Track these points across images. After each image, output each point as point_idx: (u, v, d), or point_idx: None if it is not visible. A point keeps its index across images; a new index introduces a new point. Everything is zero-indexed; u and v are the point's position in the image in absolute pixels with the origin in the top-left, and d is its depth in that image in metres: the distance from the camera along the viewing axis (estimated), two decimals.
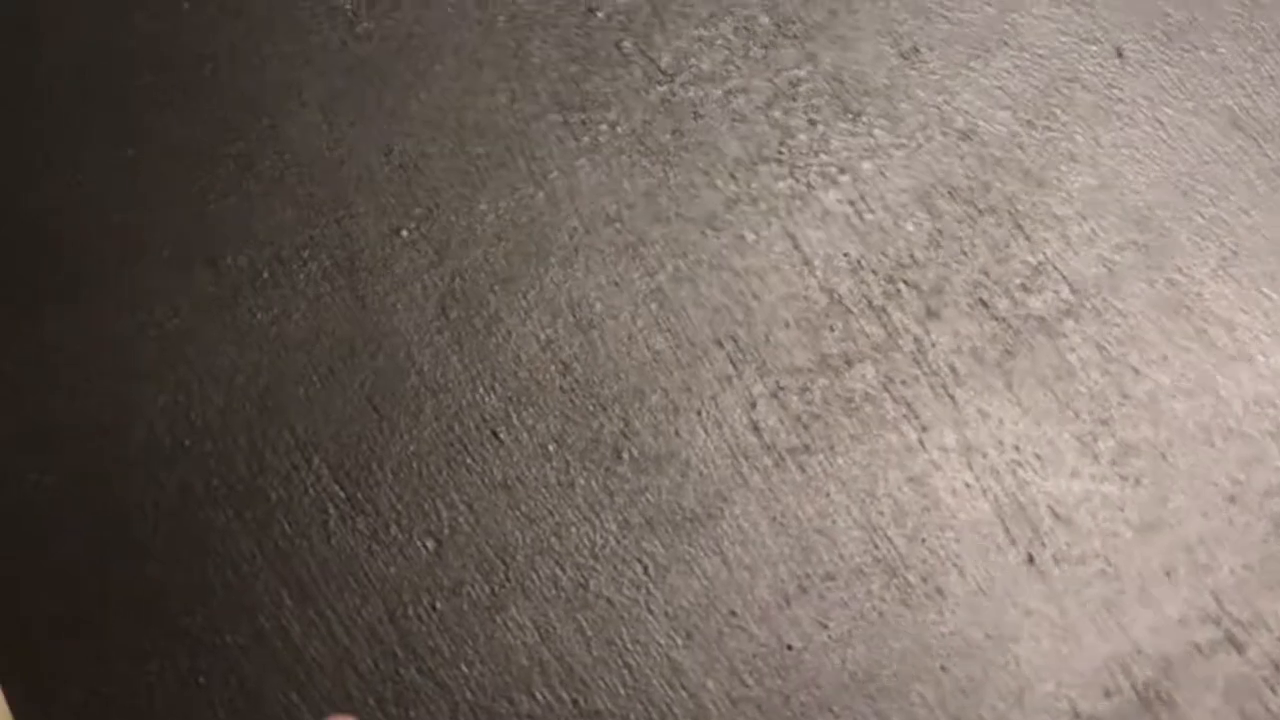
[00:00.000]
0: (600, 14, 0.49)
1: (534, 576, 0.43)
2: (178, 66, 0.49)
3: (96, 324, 0.45)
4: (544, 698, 0.40)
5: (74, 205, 0.46)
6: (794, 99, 0.48)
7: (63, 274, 0.46)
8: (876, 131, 0.47)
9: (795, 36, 0.48)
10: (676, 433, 0.44)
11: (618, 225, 0.47)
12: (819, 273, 0.46)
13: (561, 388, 0.45)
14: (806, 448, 0.44)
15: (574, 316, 0.46)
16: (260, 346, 0.46)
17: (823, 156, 0.47)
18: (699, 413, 0.45)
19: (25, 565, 0.42)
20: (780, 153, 0.47)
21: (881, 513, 0.43)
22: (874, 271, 0.45)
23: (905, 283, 0.45)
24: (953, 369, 0.44)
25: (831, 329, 0.45)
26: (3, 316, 0.45)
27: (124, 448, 0.44)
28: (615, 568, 0.43)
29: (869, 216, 0.46)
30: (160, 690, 0.41)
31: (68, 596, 0.42)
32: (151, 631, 0.42)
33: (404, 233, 0.47)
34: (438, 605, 0.42)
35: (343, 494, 0.43)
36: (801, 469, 0.44)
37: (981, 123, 0.46)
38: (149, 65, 0.49)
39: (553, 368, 0.45)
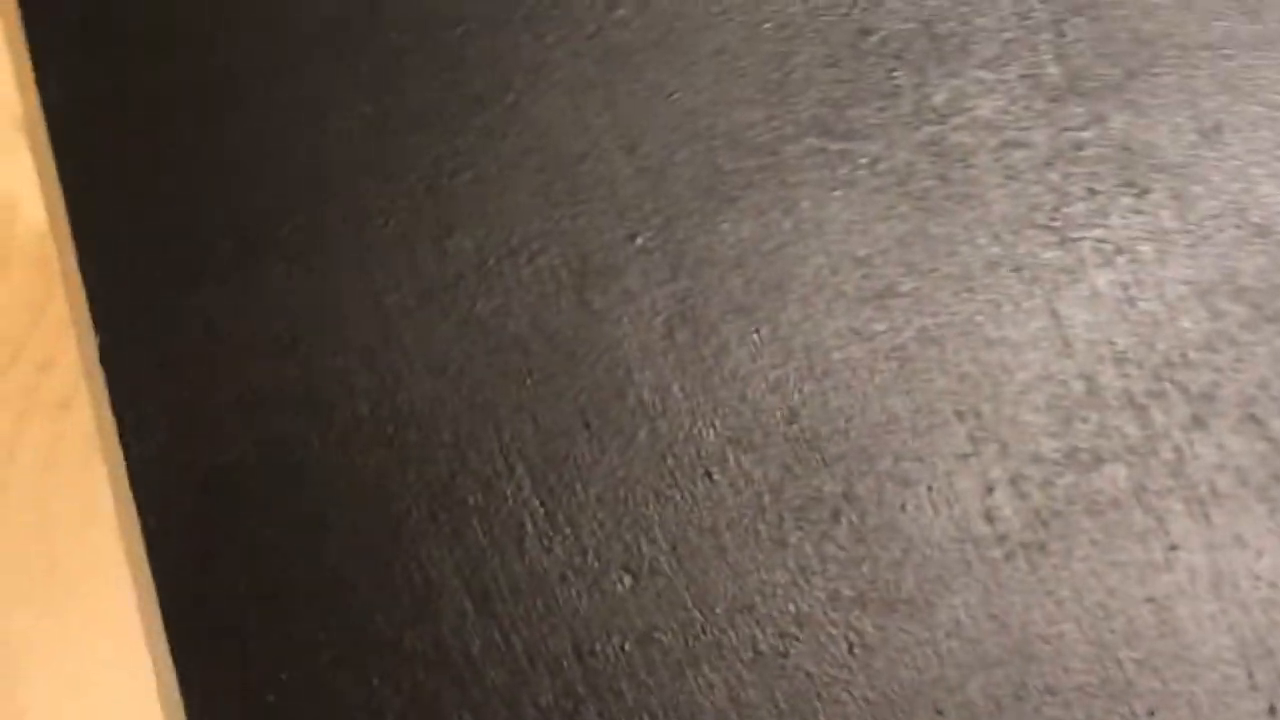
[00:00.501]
0: (874, 37, 0.46)
1: (731, 635, 0.41)
2: (429, 26, 0.47)
3: (315, 287, 0.44)
4: None
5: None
6: (1075, 162, 0.45)
7: (287, 229, 0.44)
8: (1163, 213, 0.44)
9: (1086, 94, 0.45)
10: (903, 506, 0.42)
11: (866, 270, 0.44)
12: (1079, 357, 0.43)
13: (785, 436, 0.43)
14: (1041, 545, 0.41)
15: (808, 361, 0.43)
16: (477, 338, 0.44)
17: (1099, 231, 0.44)
18: (929, 488, 0.42)
19: (216, 538, 0.41)
20: (1053, 219, 0.44)
21: (1114, 630, 0.40)
22: (1140, 365, 0.42)
23: (1173, 383, 0.42)
24: (1212, 486, 0.41)
25: (1085, 420, 0.42)
26: (223, 264, 0.44)
27: (327, 425, 0.42)
28: (819, 640, 0.41)
29: (1142, 305, 0.43)
30: (332, 686, 0.40)
31: (252, 574, 0.41)
32: (330, 622, 0.41)
33: (639, 240, 0.45)
34: (627, 647, 0.40)
35: (542, 510, 0.42)
36: (1033, 568, 0.41)
37: None
38: (399, 23, 0.47)
39: (778, 412, 0.43)
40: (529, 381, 0.43)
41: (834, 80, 0.47)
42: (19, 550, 0.40)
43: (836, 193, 0.45)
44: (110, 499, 0.41)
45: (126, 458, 0.43)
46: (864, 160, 0.46)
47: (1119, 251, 0.45)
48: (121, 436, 0.43)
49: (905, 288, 0.44)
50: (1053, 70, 0.46)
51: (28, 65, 0.46)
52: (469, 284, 0.44)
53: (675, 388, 0.43)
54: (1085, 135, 0.46)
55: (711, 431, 0.43)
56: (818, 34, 0.47)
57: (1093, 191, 0.46)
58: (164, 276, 0.44)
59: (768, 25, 0.47)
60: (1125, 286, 0.44)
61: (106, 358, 0.43)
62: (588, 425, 0.42)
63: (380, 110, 0.46)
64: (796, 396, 0.43)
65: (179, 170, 0.46)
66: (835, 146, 0.46)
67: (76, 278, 0.44)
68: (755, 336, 0.44)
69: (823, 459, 0.42)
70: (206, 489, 0.42)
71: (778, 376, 0.43)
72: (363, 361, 0.43)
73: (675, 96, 0.46)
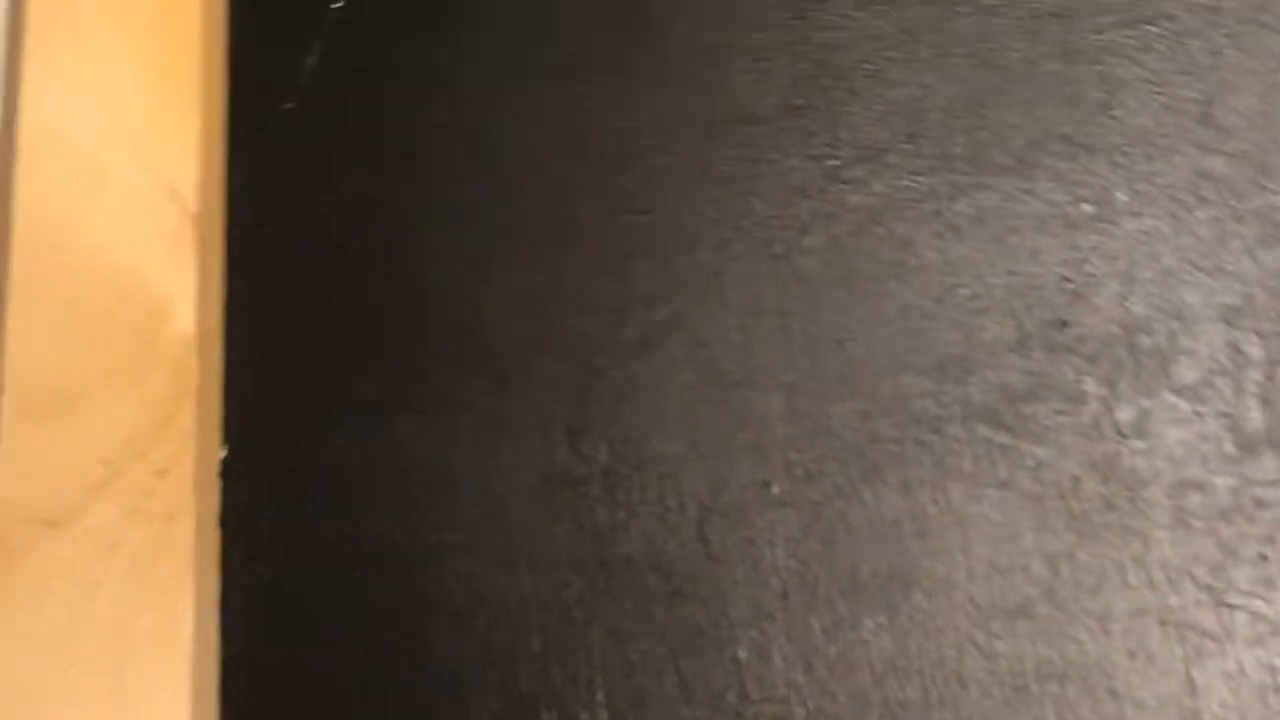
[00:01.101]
0: (1071, 332, 0.45)
1: None
2: (611, 207, 0.47)
3: (442, 453, 0.44)
4: None
5: None
6: (1253, 522, 0.43)
7: (427, 386, 0.45)
8: None
9: None
10: None
11: (1003, 582, 0.43)
12: None
13: None
14: None
15: (918, 662, 0.43)
16: (587, 548, 0.44)
17: (1260, 603, 0.42)
18: None
19: (287, 682, 0.42)
20: (1214, 578, 0.42)
21: None
22: None
23: None
24: None
25: None
26: (359, 409, 0.45)
27: (420, 599, 0.43)
28: None
29: None
30: None
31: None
32: None
33: (775, 488, 0.45)
34: None
35: None
36: None
37: None
38: (577, 200, 0.47)
39: (876, 708, 0.42)
40: (628, 606, 0.43)
41: (1018, 369, 0.46)
42: (92, 652, 0.41)
43: (991, 490, 0.44)
44: (191, 624, 0.41)
45: (222, 580, 0.43)
46: (1029, 463, 0.44)
47: (1275, 633, 0.43)
48: (222, 557, 0.44)
49: (1040, 611, 0.43)
50: (1254, 414, 0.44)
51: (219, 161, 0.47)
52: (592, 489, 0.44)
53: (776, 655, 0.42)
54: (1271, 495, 0.44)
55: (803, 711, 0.42)
56: (1011, 315, 0.46)
57: (1263, 558, 0.44)
58: (298, 407, 0.45)
59: (962, 291, 0.47)
60: (1274, 671, 0.42)
61: (226, 473, 0.44)
62: (678, 670, 0.42)
63: (545, 284, 0.47)
64: (898, 696, 0.42)
65: (342, 298, 0.47)
66: (1001, 440, 0.44)
67: (214, 390, 0.45)
68: (870, 622, 0.43)
69: None
70: (290, 631, 0.43)
71: (883, 671, 0.42)
72: (468, 541, 0.44)
73: (847, 344, 0.46)
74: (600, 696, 0.43)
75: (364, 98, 0.50)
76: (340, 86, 0.50)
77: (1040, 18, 0.50)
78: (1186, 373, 0.45)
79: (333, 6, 0.51)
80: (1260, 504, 0.44)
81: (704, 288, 0.47)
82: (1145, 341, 0.46)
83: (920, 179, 0.48)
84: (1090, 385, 0.46)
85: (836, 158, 0.48)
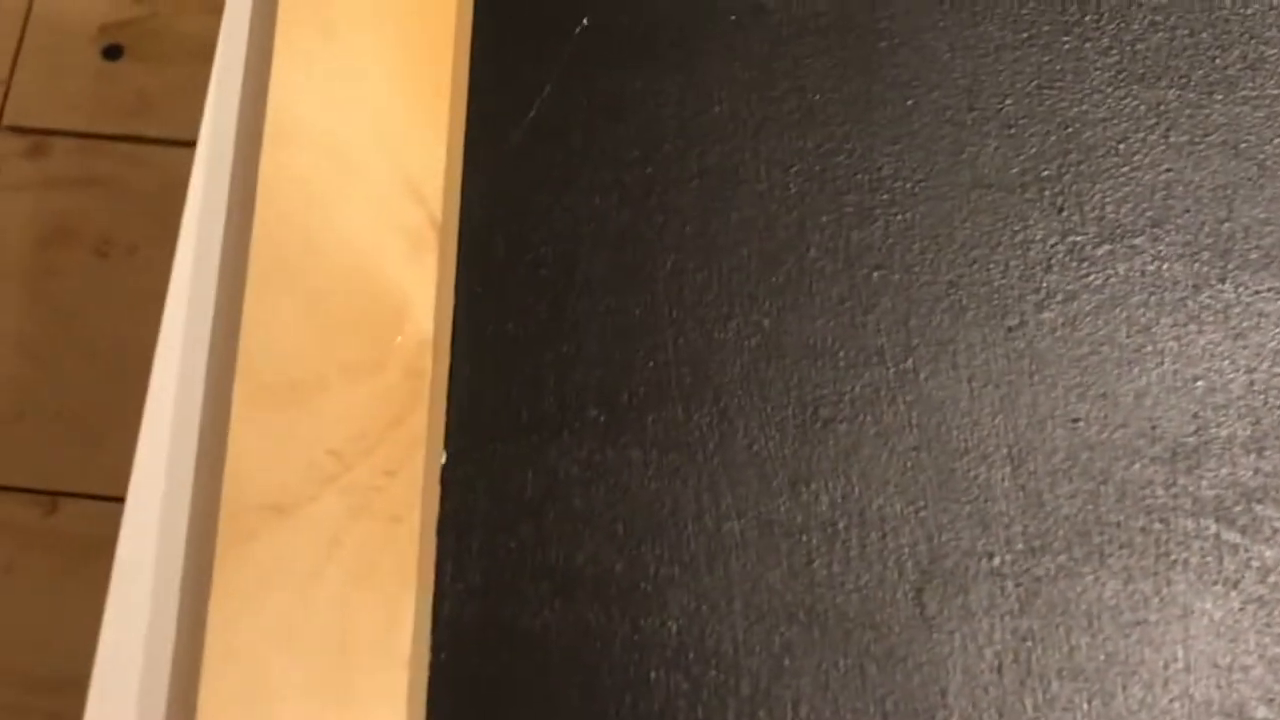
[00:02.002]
0: None
1: None
2: (848, 259, 0.51)
3: (662, 485, 0.48)
4: None
5: None
6: None
7: (655, 417, 0.49)
8: None
9: None
10: None
11: (1221, 681, 0.47)
12: None
13: None
14: None
15: None
16: (802, 598, 0.48)
17: None
18: None
19: (494, 695, 0.46)
20: None
21: None
22: None
23: None
24: None
25: None
26: (583, 431, 0.49)
27: (632, 631, 0.46)
28: None
29: None
30: None
31: None
32: None
33: (996, 559, 0.48)
34: None
35: None
36: None
37: None
38: (823, 252, 0.51)
39: None
40: (840, 661, 0.46)
41: (1253, 467, 0.49)
42: (313, 641, 0.45)
43: (1216, 587, 0.47)
44: (410, 626, 0.46)
45: (435, 586, 0.47)
46: (1256, 565, 0.48)
47: None
48: (436, 563, 0.48)
49: (1258, 715, 0.46)
50: None
51: (459, 168, 0.52)
52: (812, 540, 0.48)
53: None
54: None
55: None
56: (1250, 412, 0.50)
57: None
58: (522, 422, 0.49)
59: (1200, 384, 0.50)
60: None
61: (445, 480, 0.48)
62: None
63: (775, 330, 0.51)
64: None
65: (572, 320, 0.51)
66: (1231, 538, 0.48)
67: (443, 393, 0.49)
68: (1085, 705, 0.46)
69: None
70: (500, 645, 0.47)
71: None
72: (685, 578, 0.48)
73: (1079, 426, 0.49)
74: None
75: (604, 123, 0.54)
76: (580, 109, 0.55)
77: None
78: None
79: (579, 30, 0.56)
80: None
81: (935, 351, 0.51)
82: None
83: (1165, 265, 0.52)
84: None
85: (1081, 234, 0.52)
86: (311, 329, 0.50)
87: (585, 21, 0.55)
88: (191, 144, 0.54)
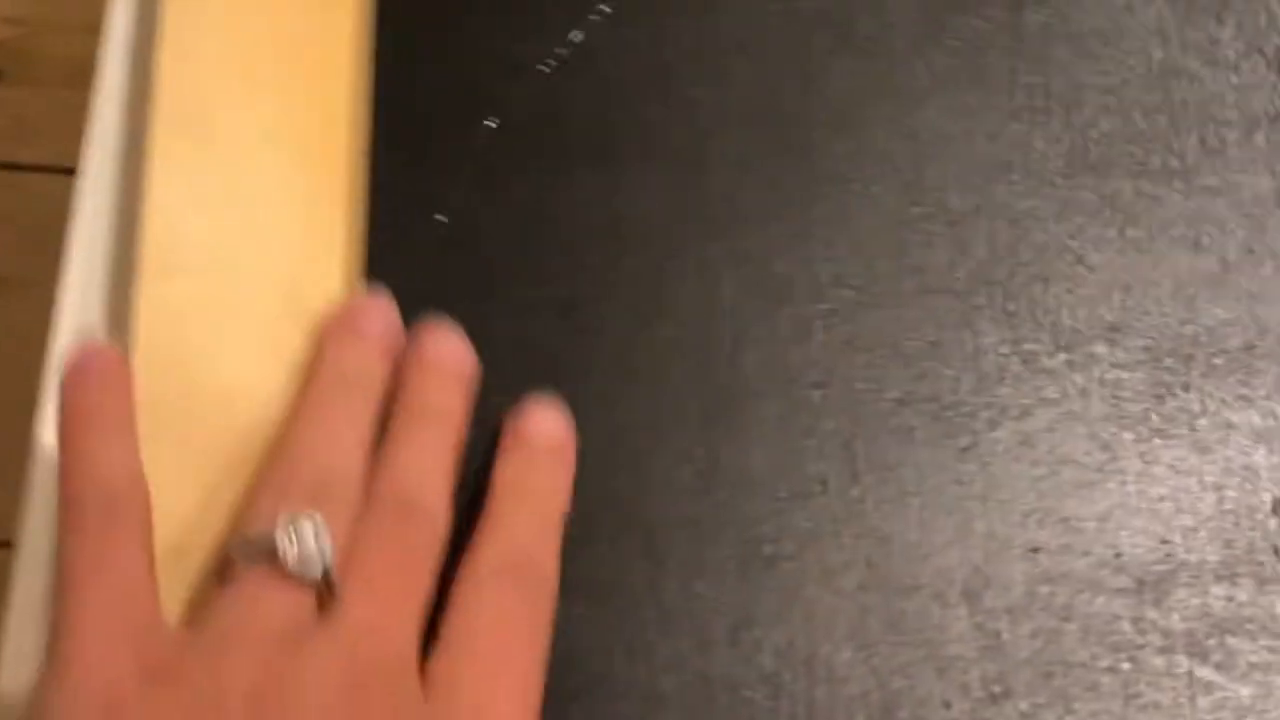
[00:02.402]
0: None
1: None
2: (786, 381, 0.49)
3: (609, 624, 0.45)
4: None
5: None
6: None
7: (586, 561, 0.46)
8: None
9: None
10: None
11: None
12: None
13: None
14: None
15: None
16: None
17: None
18: None
19: None
20: None
21: None
22: None
23: None
24: None
25: None
26: None
27: None
28: None
29: None
30: None
31: None
32: None
33: (954, 709, 0.46)
34: None
35: None
36: None
37: None
38: (757, 374, 0.49)
39: None
40: None
41: (1226, 596, 0.47)
42: None
43: None
44: None
45: None
46: (1233, 703, 0.47)
47: None
48: None
49: None
50: None
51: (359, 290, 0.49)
52: (755, 696, 0.46)
53: None
54: None
55: None
56: (1219, 534, 0.48)
57: None
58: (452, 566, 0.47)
59: (1165, 505, 0.49)
60: None
61: None
62: None
63: (709, 463, 0.48)
64: None
65: None
66: (1204, 675, 0.46)
67: None
68: None
69: None
70: None
71: None
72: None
73: (1039, 557, 0.48)
74: None
75: (518, 233, 0.52)
76: (492, 218, 0.52)
77: (1263, 200, 0.52)
78: None
79: (486, 131, 0.53)
80: None
81: (883, 477, 0.49)
82: None
83: (1125, 374, 0.50)
84: None
85: (1035, 342, 0.50)
86: (195, 488, 0.47)
87: (493, 122, 0.52)
88: (71, 171, 0.52)
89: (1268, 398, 0.50)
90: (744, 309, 0.51)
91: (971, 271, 0.52)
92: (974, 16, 0.53)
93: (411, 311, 0.50)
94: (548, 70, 0.54)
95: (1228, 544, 0.49)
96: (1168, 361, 0.50)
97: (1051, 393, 0.50)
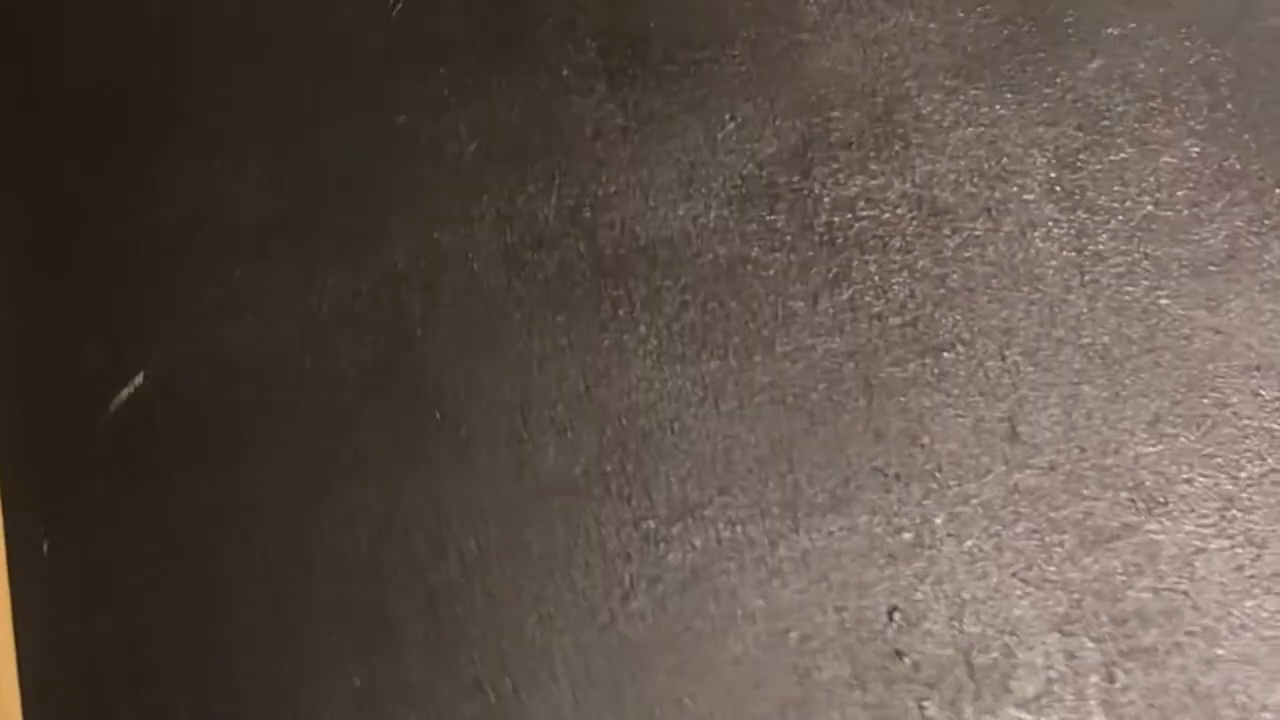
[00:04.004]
0: (907, 660, 0.59)
1: None
2: (445, 560, 0.61)
3: None
4: None
5: None
6: None
7: None
8: None
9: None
10: None
11: None
12: None
13: None
14: None
15: None
16: None
17: None
18: None
19: None
20: None
21: None
22: None
23: None
24: None
25: None
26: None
27: None
28: None
29: None
30: None
31: None
32: None
33: None
34: None
35: None
36: None
37: None
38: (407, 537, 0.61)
39: None
40: None
41: (859, 703, 0.59)
42: None
43: None
44: None
45: None
46: None
47: None
48: None
49: None
50: (1097, 719, 0.58)
51: None
52: None
53: None
54: None
55: None
56: (846, 650, 0.60)
57: None
58: None
59: (793, 635, 0.61)
60: None
61: None
62: None
63: (371, 681, 0.60)
64: None
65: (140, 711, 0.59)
66: None
67: None
68: None
69: None
70: None
71: None
72: None
73: (686, 702, 0.59)
74: None
75: (145, 543, 0.65)
76: (107, 530, 0.65)
77: (837, 357, 0.67)
78: (1027, 686, 0.60)
79: (103, 438, 0.67)
80: None
81: (533, 667, 0.61)
82: (982, 660, 0.61)
83: (739, 529, 0.64)
84: (934, 710, 0.60)
85: (653, 518, 0.64)
86: None
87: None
88: None
89: (868, 523, 0.64)
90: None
91: (585, 469, 0.66)
92: (555, 249, 0.70)
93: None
94: None
95: (854, 657, 0.61)
96: (775, 510, 0.64)
97: (674, 559, 0.63)
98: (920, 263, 0.68)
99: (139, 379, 0.64)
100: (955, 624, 0.61)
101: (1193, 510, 0.63)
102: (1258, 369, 0.65)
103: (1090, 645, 0.60)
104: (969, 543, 0.62)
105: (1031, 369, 0.66)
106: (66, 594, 0.61)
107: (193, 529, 0.62)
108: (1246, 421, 0.64)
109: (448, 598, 0.61)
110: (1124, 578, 0.61)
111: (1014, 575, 0.62)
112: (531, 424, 0.65)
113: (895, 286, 0.67)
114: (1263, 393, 0.64)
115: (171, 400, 0.65)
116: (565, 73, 0.72)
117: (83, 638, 0.60)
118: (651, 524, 0.63)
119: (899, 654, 0.60)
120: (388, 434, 0.65)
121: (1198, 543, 0.62)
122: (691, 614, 0.61)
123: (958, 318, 0.66)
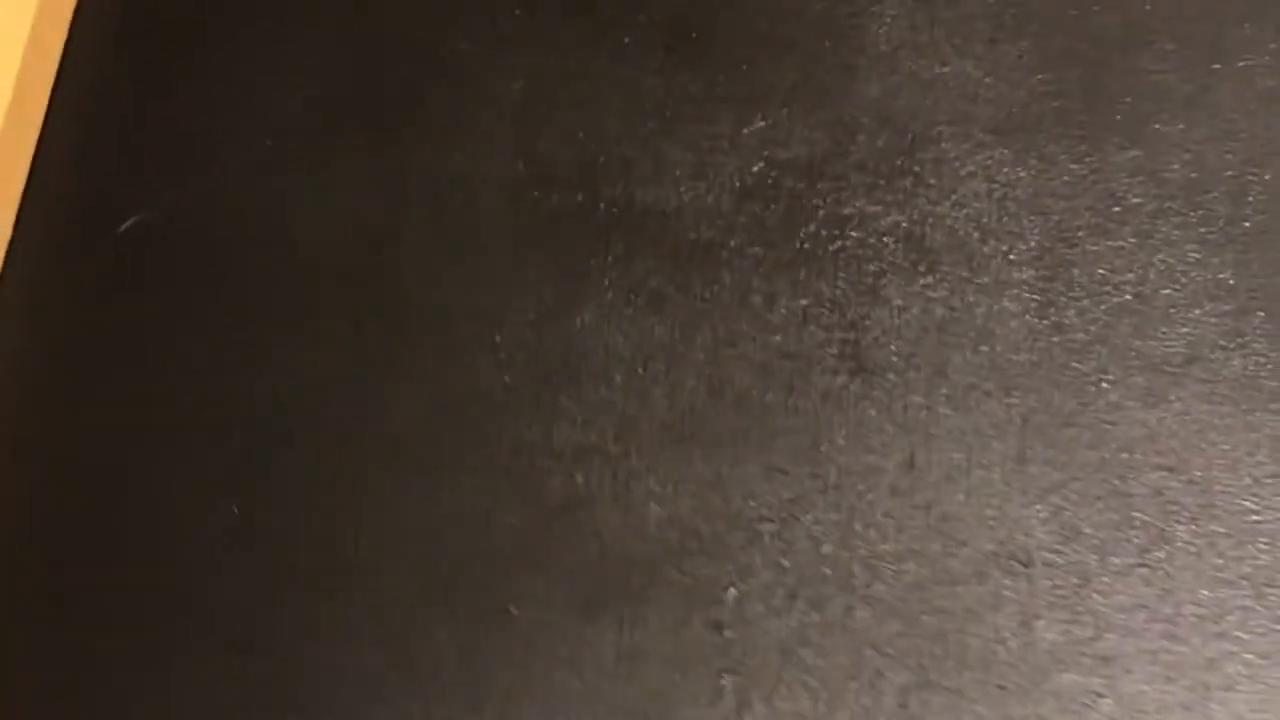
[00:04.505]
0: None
1: None
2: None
3: None
4: None
5: None
6: None
7: None
8: None
9: None
10: None
11: None
12: None
13: None
14: None
15: None
16: None
17: None
18: None
19: None
20: None
21: None
22: None
23: None
24: None
25: None
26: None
27: None
28: None
29: None
30: None
31: None
32: None
33: None
34: None
35: None
36: None
37: None
38: None
39: None
40: None
41: None
42: None
43: None
44: None
45: None
46: None
47: None
48: None
49: None
50: None
51: None
52: None
53: None
54: None
55: None
56: None
57: None
58: None
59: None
60: None
61: None
62: None
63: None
64: None
65: None
66: None
67: None
68: None
69: None
70: None
71: None
72: None
73: None
74: None
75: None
76: None
77: (772, 354, 0.75)
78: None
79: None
80: None
81: None
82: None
83: (624, 476, 0.72)
84: None
85: (551, 454, 0.73)
86: None
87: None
88: None
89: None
90: None
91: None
92: (555, 191, 0.79)
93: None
94: None
95: None
96: (660, 470, 0.72)
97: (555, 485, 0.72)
98: (885, 291, 0.74)
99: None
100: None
101: (1050, 580, 0.68)
102: (1169, 470, 0.70)
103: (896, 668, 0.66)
104: (826, 548, 0.69)
105: (950, 412, 0.72)
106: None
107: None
108: (1136, 514, 0.69)
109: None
110: (956, 623, 0.67)
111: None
112: (481, 335, 0.75)
113: (853, 307, 0.74)
114: (1165, 493, 0.69)
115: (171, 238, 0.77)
116: (626, 40, 0.80)
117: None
118: (547, 460, 0.71)
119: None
120: (364, 313, 0.75)
121: (1044, 609, 0.67)
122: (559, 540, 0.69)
123: (898, 349, 0.73)
